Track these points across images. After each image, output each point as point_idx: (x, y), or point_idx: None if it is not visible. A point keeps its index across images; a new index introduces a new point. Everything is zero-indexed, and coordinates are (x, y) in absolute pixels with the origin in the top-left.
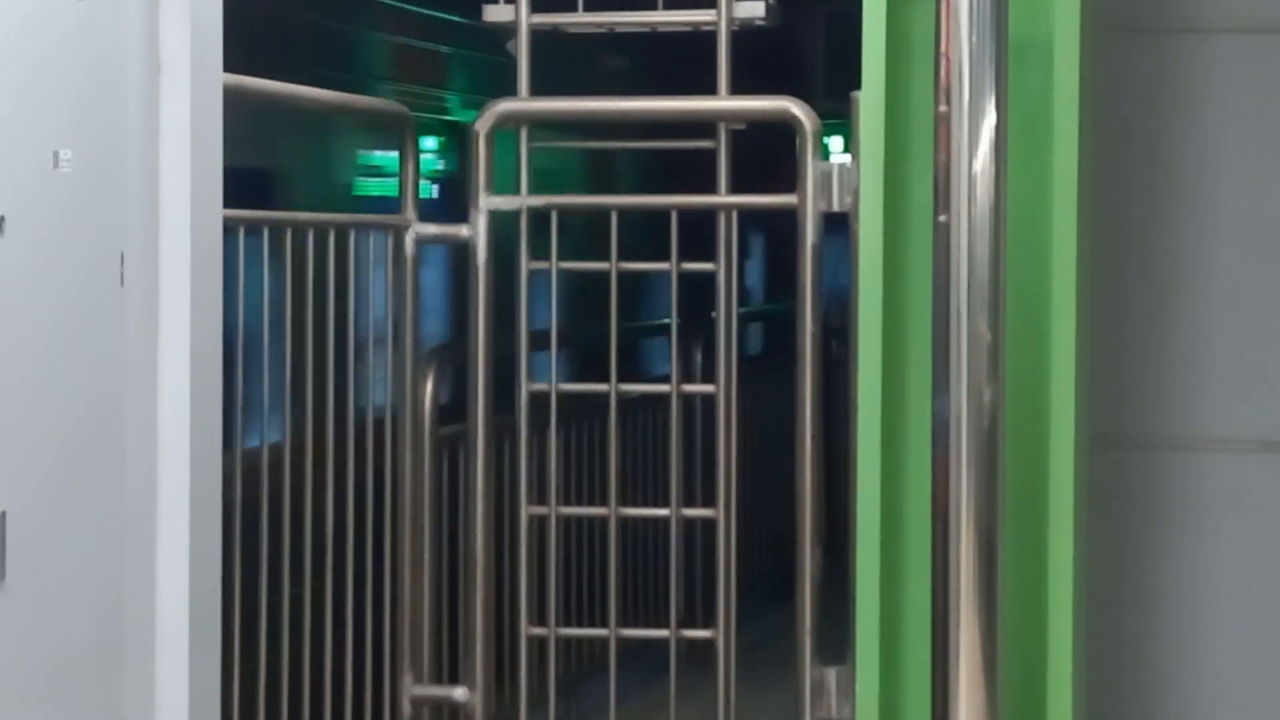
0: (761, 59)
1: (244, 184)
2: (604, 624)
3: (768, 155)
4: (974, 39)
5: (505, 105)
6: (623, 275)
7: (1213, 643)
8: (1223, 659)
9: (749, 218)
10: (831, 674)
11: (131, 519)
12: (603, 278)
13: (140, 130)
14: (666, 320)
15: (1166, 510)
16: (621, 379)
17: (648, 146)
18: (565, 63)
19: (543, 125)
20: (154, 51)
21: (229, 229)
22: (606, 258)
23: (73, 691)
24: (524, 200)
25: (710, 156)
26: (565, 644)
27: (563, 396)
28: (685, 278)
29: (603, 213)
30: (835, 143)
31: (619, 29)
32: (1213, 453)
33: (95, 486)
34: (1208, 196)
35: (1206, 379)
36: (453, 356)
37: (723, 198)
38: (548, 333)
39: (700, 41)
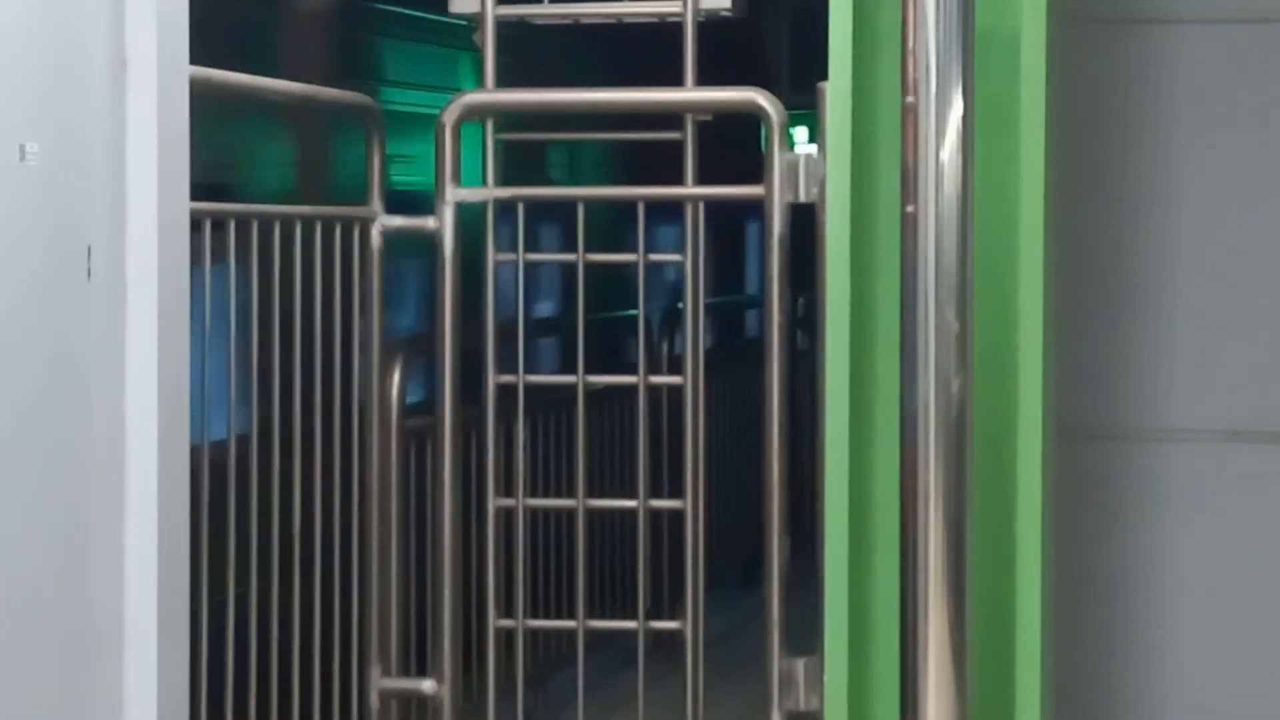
0: (727, 50)
1: None
2: (572, 615)
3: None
4: (940, 29)
5: (471, 97)
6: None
7: (1178, 631)
8: (1188, 647)
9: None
10: (800, 665)
11: (98, 514)
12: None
13: (107, 124)
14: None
15: (1132, 500)
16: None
17: (613, 138)
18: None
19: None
20: (120, 46)
21: (195, 222)
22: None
23: (39, 687)
24: (491, 192)
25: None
26: (533, 635)
27: (531, 388)
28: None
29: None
30: (800, 134)
31: (585, 20)
32: (1178, 443)
33: (61, 482)
34: (1173, 187)
35: (1171, 370)
36: (422, 349)
37: (690, 189)
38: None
39: (666, 33)
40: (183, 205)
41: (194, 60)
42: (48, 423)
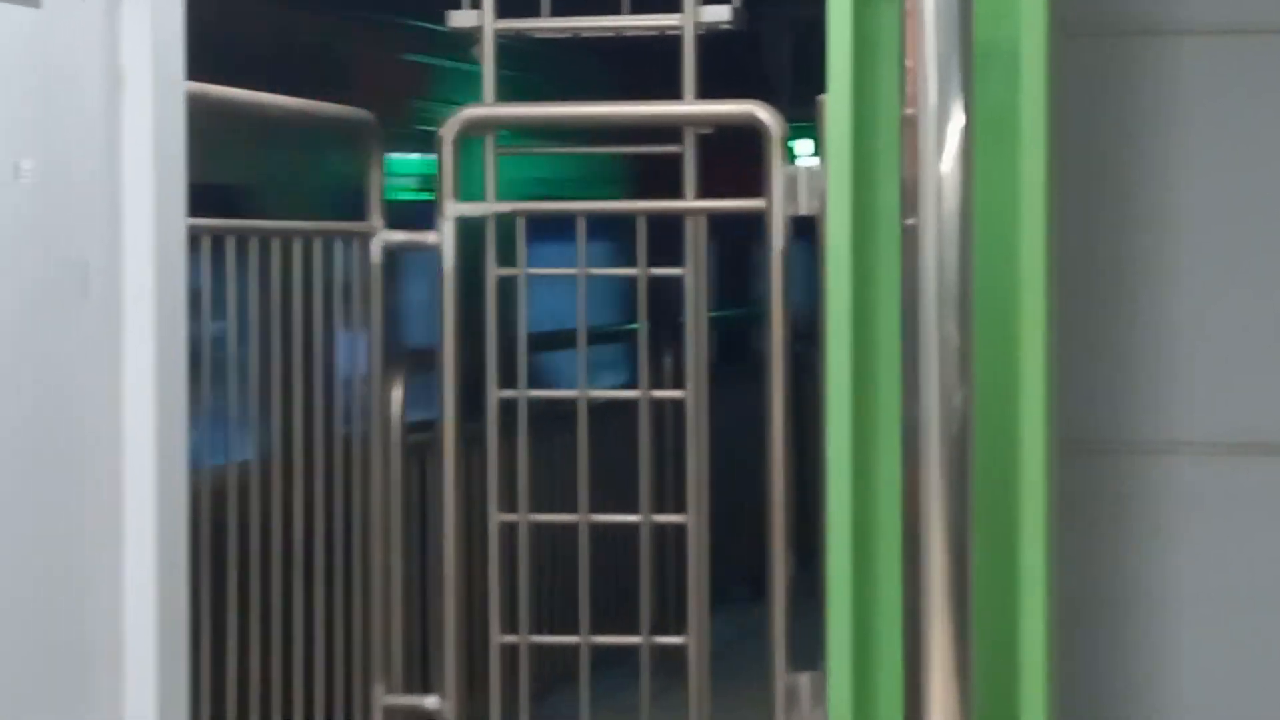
0: (728, 63)
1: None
2: (575, 631)
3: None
4: (940, 42)
5: (471, 111)
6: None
7: (1182, 645)
8: (1192, 661)
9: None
10: (804, 680)
11: (96, 534)
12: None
13: (102, 140)
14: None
15: (1135, 514)
16: None
17: (612, 151)
18: None
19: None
20: (115, 61)
21: (194, 239)
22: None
23: (37, 704)
24: (491, 206)
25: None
26: (537, 651)
27: (534, 403)
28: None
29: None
30: (804, 146)
31: (584, 34)
32: (1181, 456)
33: (59, 500)
34: (1174, 199)
35: (1174, 382)
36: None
37: (690, 203)
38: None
39: (667, 46)
40: (180, 221)
41: None
42: (44, 442)
